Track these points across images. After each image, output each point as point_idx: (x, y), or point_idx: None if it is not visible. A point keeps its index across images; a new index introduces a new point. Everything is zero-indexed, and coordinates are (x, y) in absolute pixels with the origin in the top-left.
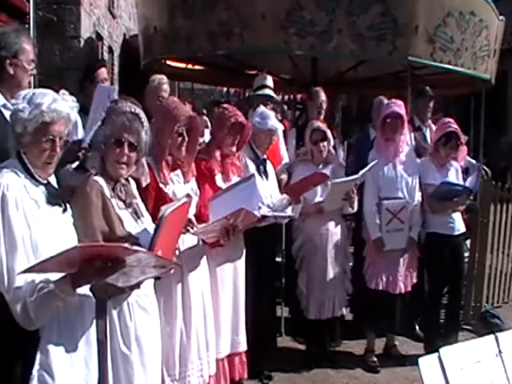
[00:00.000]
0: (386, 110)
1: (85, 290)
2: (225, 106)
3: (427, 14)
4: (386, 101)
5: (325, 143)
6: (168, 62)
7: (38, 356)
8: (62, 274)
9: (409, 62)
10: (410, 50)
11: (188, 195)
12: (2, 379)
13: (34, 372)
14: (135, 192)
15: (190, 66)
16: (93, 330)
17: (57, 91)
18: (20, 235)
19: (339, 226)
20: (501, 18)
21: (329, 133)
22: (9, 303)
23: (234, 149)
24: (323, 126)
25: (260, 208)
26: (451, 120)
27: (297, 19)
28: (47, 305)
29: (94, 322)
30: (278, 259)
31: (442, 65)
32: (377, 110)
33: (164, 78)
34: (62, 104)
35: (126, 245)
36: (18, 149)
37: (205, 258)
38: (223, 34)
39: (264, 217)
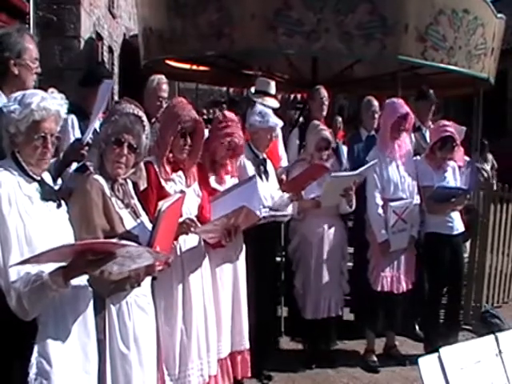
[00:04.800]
0: (401, 110)
1: (81, 280)
2: (225, 116)
3: (417, 13)
4: (375, 102)
5: (328, 152)
6: (171, 63)
7: (37, 343)
8: (56, 266)
9: (399, 61)
10: (400, 48)
11: (181, 191)
12: (3, 366)
13: (33, 360)
14: (132, 193)
15: (193, 67)
16: (91, 321)
17: (46, 90)
18: (14, 230)
19: (336, 226)
20: (500, 15)
21: (332, 141)
22: (5, 295)
23: (227, 161)
24: (330, 136)
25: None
26: (447, 123)
27: (285, 19)
28: (41, 296)
29: (93, 313)
30: (278, 259)
31: (434, 64)
32: (366, 111)
33: (163, 78)
34: (50, 102)
35: (114, 240)
36: (12, 149)
37: (206, 258)
38: (214, 34)
39: (263, 218)
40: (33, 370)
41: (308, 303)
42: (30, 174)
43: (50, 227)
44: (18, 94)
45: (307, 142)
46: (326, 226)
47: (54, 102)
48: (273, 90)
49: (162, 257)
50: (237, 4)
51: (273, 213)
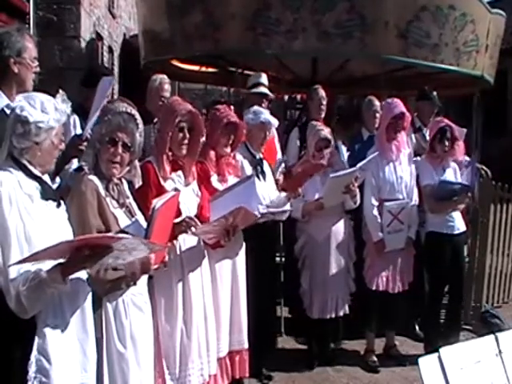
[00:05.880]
0: (394, 111)
1: (80, 277)
2: (218, 106)
3: (397, 10)
4: (376, 102)
5: (328, 150)
6: (179, 64)
7: (36, 341)
8: (54, 263)
9: (381, 59)
10: (381, 46)
11: (176, 189)
12: (2, 364)
13: (32, 357)
14: (128, 192)
15: (203, 69)
16: (89, 319)
17: (51, 94)
18: (14, 229)
19: (342, 225)
20: (495, 11)
21: (332, 139)
22: (5, 295)
23: (229, 149)
24: (329, 135)
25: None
26: (443, 118)
27: (264, 19)
28: (39, 294)
29: (91, 309)
30: (277, 259)
31: (417, 61)
32: (367, 110)
33: (165, 78)
34: (65, 104)
35: (111, 234)
36: (15, 153)
37: (206, 257)
38: (199, 36)
39: (261, 214)
40: (32, 369)
41: (315, 302)
42: (34, 172)
43: (49, 226)
44: (34, 102)
45: (307, 144)
46: (332, 225)
47: (68, 105)
48: (264, 80)
49: (157, 248)
50: (219, 5)
51: (271, 210)
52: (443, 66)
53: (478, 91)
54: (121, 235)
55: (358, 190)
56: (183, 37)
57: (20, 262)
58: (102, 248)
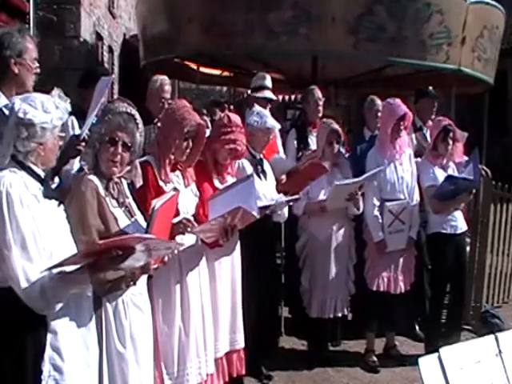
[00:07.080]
0: (399, 112)
1: None
2: (226, 120)
3: (346, 5)
4: (378, 101)
5: (338, 145)
6: (200, 69)
7: (48, 340)
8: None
9: (327, 55)
10: (328, 42)
11: (175, 188)
12: (14, 362)
13: (46, 357)
14: (127, 192)
15: (225, 73)
16: (90, 314)
17: (46, 92)
18: (28, 230)
19: (344, 226)
20: (486, 1)
21: (342, 135)
22: (22, 294)
23: (228, 161)
24: (340, 129)
25: (258, 206)
26: (445, 117)
27: (219, 22)
28: (63, 293)
29: (92, 307)
30: (278, 261)
31: (379, 56)
32: (369, 110)
33: (166, 79)
34: (63, 100)
35: (138, 235)
36: (27, 157)
37: (204, 257)
38: (170, 39)
39: (262, 208)
40: (46, 367)
41: (314, 301)
42: (38, 173)
43: (55, 225)
44: (35, 103)
45: (318, 138)
46: (334, 226)
47: (67, 101)
48: (269, 83)
49: (174, 245)
50: (179, 10)
51: (270, 202)
52: (400, 60)
53: (454, 92)
54: (146, 236)
55: (361, 199)
56: (160, 40)
57: (49, 269)
58: (127, 249)
